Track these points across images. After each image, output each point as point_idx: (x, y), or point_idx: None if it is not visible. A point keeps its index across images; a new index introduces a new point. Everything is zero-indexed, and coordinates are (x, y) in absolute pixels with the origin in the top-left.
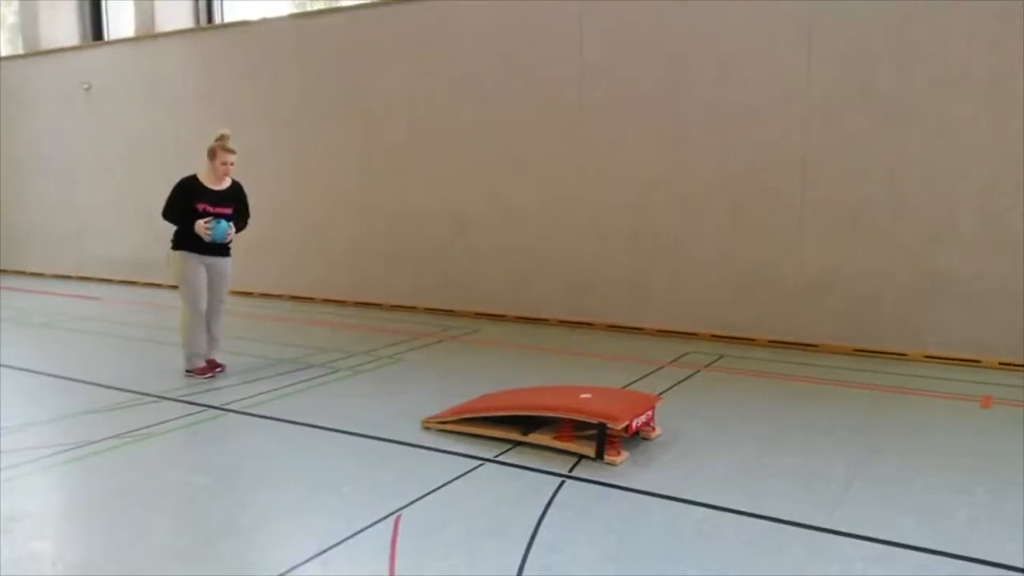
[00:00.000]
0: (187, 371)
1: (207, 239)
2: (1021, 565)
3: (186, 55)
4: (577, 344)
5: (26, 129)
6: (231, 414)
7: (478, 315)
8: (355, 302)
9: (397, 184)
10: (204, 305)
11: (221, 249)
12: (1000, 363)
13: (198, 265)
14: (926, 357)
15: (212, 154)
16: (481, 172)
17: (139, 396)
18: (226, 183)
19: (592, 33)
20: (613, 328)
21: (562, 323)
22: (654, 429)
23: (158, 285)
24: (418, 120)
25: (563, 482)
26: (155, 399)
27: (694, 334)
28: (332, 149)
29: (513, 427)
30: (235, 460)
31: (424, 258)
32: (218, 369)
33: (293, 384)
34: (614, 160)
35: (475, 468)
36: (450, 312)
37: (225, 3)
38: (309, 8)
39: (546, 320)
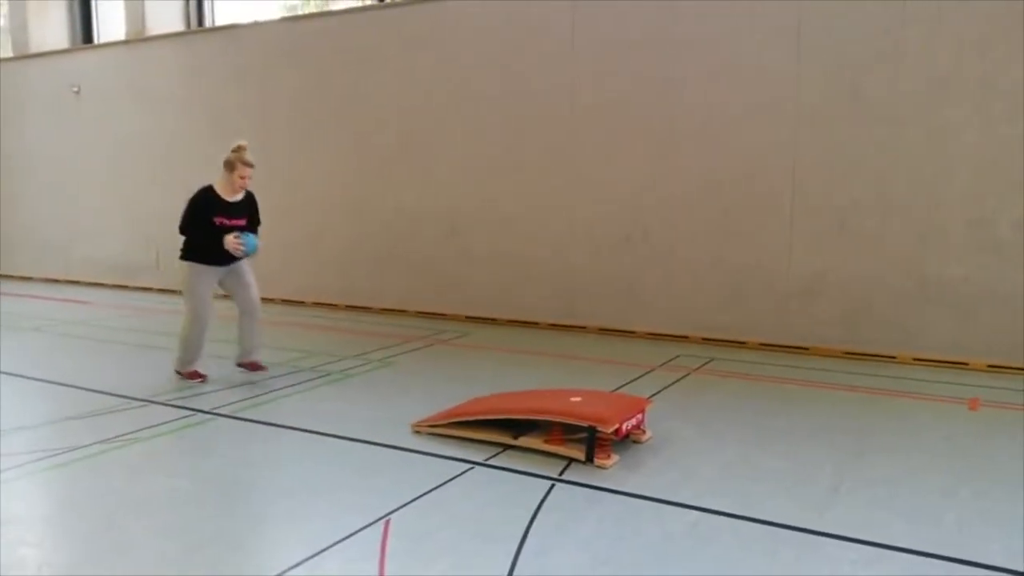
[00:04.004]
0: (177, 372)
1: (239, 255)
2: (1004, 565)
3: (176, 58)
4: (568, 347)
5: (15, 132)
6: (219, 418)
7: (469, 319)
8: (346, 305)
9: (388, 188)
10: (209, 317)
11: (233, 257)
12: (988, 365)
13: (210, 278)
14: (915, 360)
15: (230, 166)
16: (473, 176)
17: (127, 401)
18: (240, 194)
19: (583, 38)
20: (604, 331)
21: (553, 326)
22: (644, 432)
23: (148, 289)
24: (409, 124)
25: (553, 486)
26: (143, 403)
27: (685, 337)
28: (323, 153)
29: (503, 430)
30: (223, 465)
31: (415, 262)
32: (261, 370)
33: (282, 388)
34: (605, 164)
35: (465, 472)
36: (441, 316)
37: (216, 6)
38: (300, 11)
39: (537, 324)
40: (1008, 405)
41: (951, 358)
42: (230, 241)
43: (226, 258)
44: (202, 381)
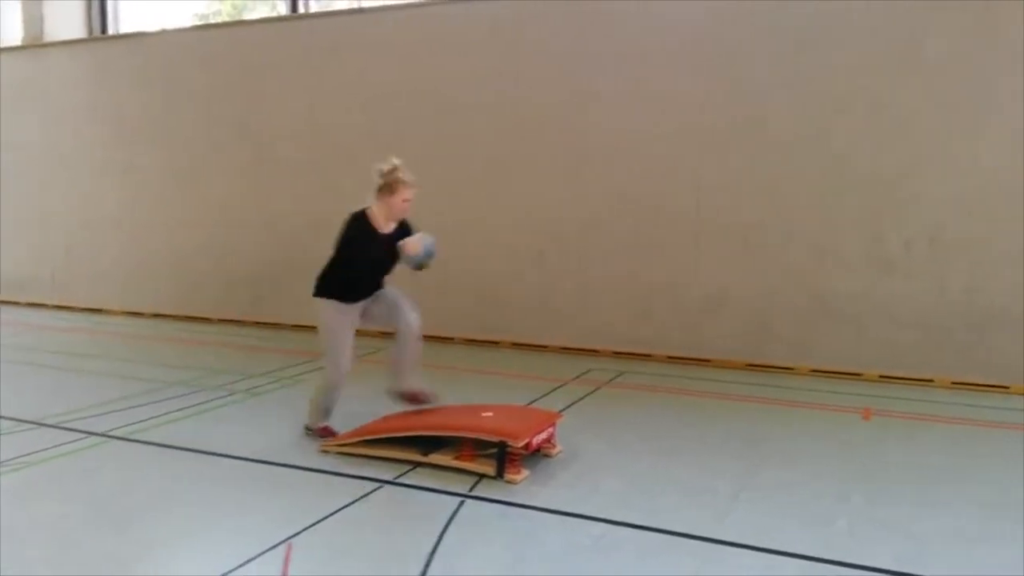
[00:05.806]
0: (307, 428)
1: (411, 259)
2: (892, 568)
3: (76, 65)
4: (482, 362)
5: None
6: (114, 441)
7: (383, 334)
8: (254, 322)
9: (299, 200)
10: (349, 363)
11: (374, 288)
12: (880, 376)
13: (353, 317)
14: (812, 371)
15: (390, 188)
16: None
17: (16, 423)
18: (394, 223)
19: (500, 57)
20: (518, 346)
21: (468, 342)
22: (555, 446)
23: (42, 305)
24: (322, 136)
25: (463, 502)
26: (33, 426)
27: (596, 351)
28: (230, 164)
29: (414, 448)
30: (117, 490)
31: None
32: (424, 398)
33: (184, 408)
34: (519, 179)
35: (374, 491)
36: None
37: (121, 12)
38: (212, 20)
39: (452, 339)
40: (898, 414)
41: (846, 369)
42: (410, 243)
43: (368, 291)
44: (331, 435)
